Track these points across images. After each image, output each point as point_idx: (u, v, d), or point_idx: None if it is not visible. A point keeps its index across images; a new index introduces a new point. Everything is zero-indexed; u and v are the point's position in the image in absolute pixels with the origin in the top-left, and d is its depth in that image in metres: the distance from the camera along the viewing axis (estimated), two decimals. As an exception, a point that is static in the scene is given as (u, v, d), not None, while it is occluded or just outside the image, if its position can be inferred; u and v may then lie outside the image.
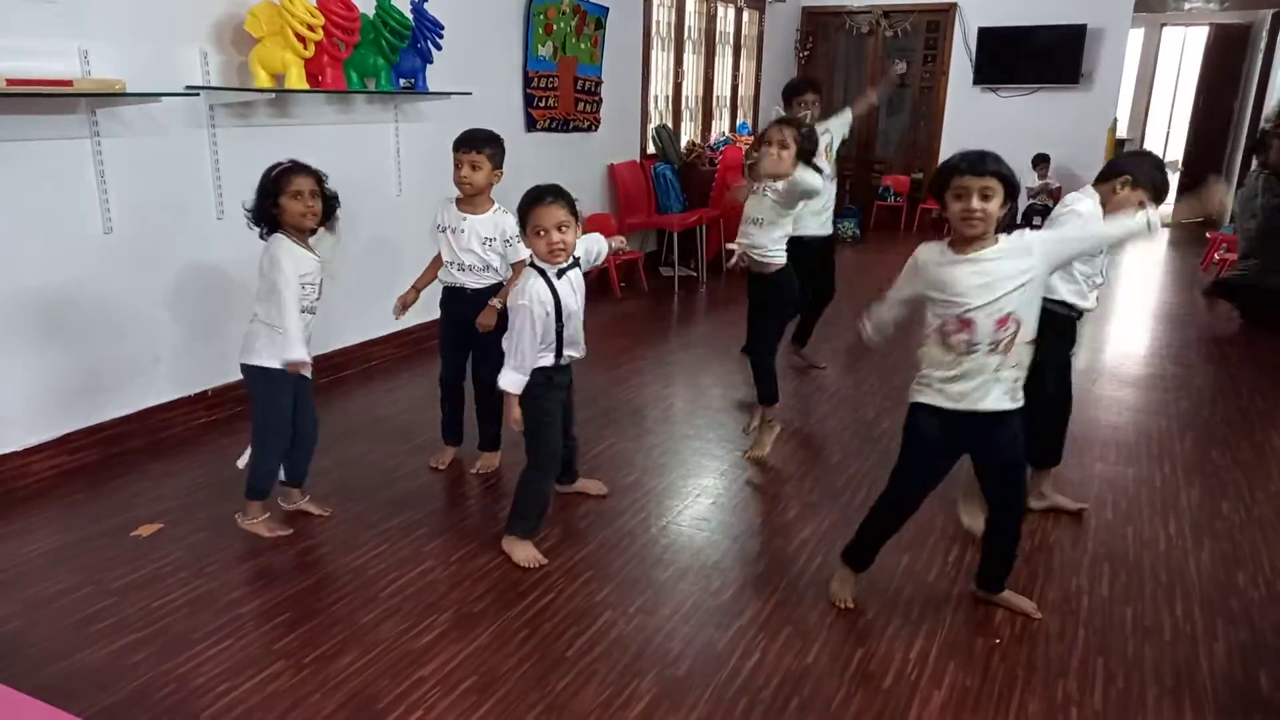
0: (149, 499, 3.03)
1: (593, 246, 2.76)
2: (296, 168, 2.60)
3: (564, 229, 2.45)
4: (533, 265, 2.54)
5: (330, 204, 2.68)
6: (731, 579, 2.61)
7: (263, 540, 2.76)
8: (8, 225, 2.97)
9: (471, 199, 3.06)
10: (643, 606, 2.46)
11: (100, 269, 3.26)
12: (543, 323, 2.50)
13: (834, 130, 4.41)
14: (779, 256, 3.38)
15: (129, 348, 3.41)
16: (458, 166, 3.01)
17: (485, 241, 3.08)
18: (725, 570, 2.66)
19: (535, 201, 2.46)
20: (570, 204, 2.48)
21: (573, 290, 2.58)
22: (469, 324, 3.13)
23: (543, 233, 2.45)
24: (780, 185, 3.24)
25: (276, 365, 2.63)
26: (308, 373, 2.74)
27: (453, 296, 3.20)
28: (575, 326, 2.61)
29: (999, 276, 2.09)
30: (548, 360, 2.58)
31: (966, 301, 2.10)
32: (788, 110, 4.28)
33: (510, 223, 3.02)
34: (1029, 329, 2.14)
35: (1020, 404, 2.20)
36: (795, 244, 3.53)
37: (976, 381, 2.14)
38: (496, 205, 3.10)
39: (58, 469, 3.20)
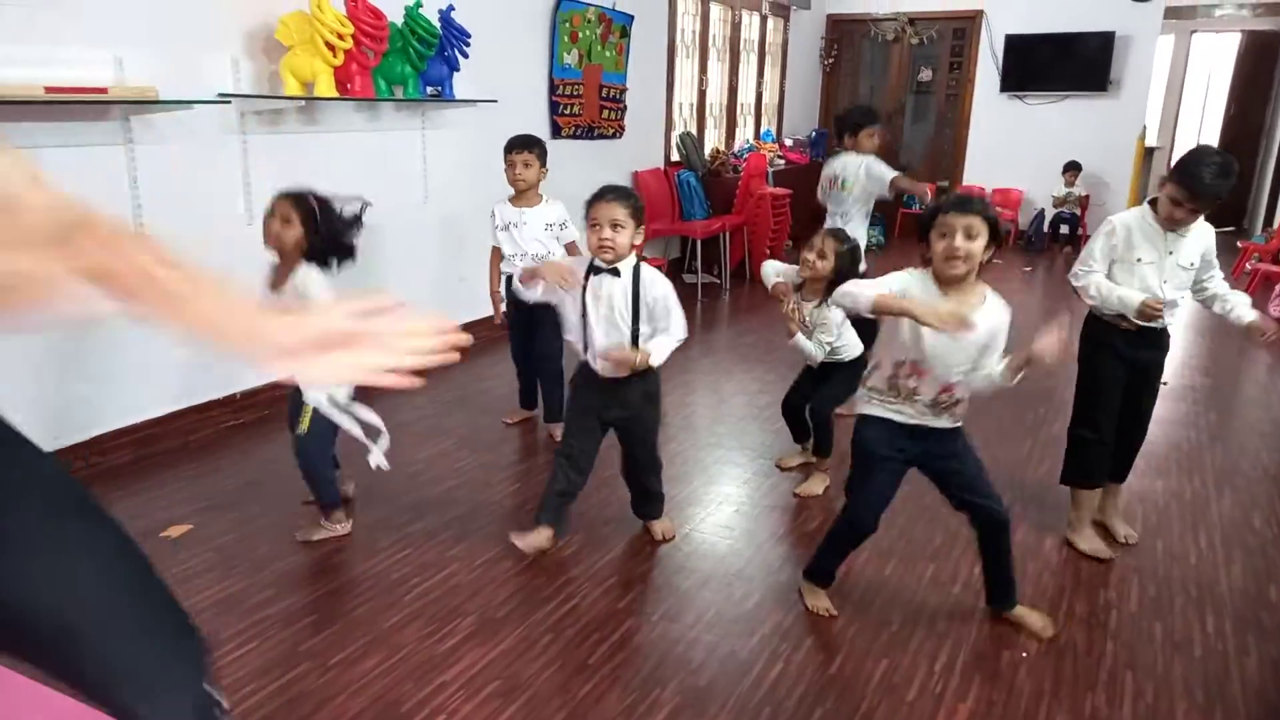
0: (179, 500, 3.07)
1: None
2: (287, 191, 2.60)
3: (617, 228, 2.46)
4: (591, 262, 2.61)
5: (321, 240, 2.59)
6: (754, 588, 2.61)
7: (288, 544, 2.79)
8: (44, 230, 3.03)
9: (524, 195, 3.48)
10: (665, 614, 2.46)
11: (132, 273, 3.31)
12: (575, 297, 2.60)
13: (849, 169, 4.24)
14: (857, 344, 3.28)
15: (159, 350, 3.46)
16: (511, 166, 3.46)
17: (548, 228, 3.52)
18: (748, 579, 2.66)
19: (598, 197, 2.51)
20: (633, 207, 2.48)
21: (602, 294, 2.56)
22: (534, 306, 3.35)
23: (595, 226, 2.49)
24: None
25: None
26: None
27: None
28: (591, 335, 2.61)
29: (967, 343, 2.10)
30: (579, 346, 2.67)
31: (931, 360, 2.15)
32: (848, 143, 4.23)
33: (562, 208, 3.53)
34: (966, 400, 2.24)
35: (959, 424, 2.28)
36: None
37: (917, 415, 2.24)
38: (545, 197, 3.55)
39: (90, 470, 3.25)
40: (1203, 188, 2.42)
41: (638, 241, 2.53)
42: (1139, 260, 2.59)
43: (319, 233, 2.59)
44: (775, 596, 2.56)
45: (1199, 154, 2.48)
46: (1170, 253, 2.59)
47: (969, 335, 2.03)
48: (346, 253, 2.70)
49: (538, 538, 2.68)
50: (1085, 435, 2.81)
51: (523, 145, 3.45)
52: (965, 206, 2.07)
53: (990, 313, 2.14)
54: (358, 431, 2.58)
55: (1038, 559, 2.79)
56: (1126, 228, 2.62)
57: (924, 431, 2.24)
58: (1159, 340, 2.73)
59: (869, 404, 2.30)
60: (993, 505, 2.30)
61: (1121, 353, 2.71)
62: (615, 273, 2.56)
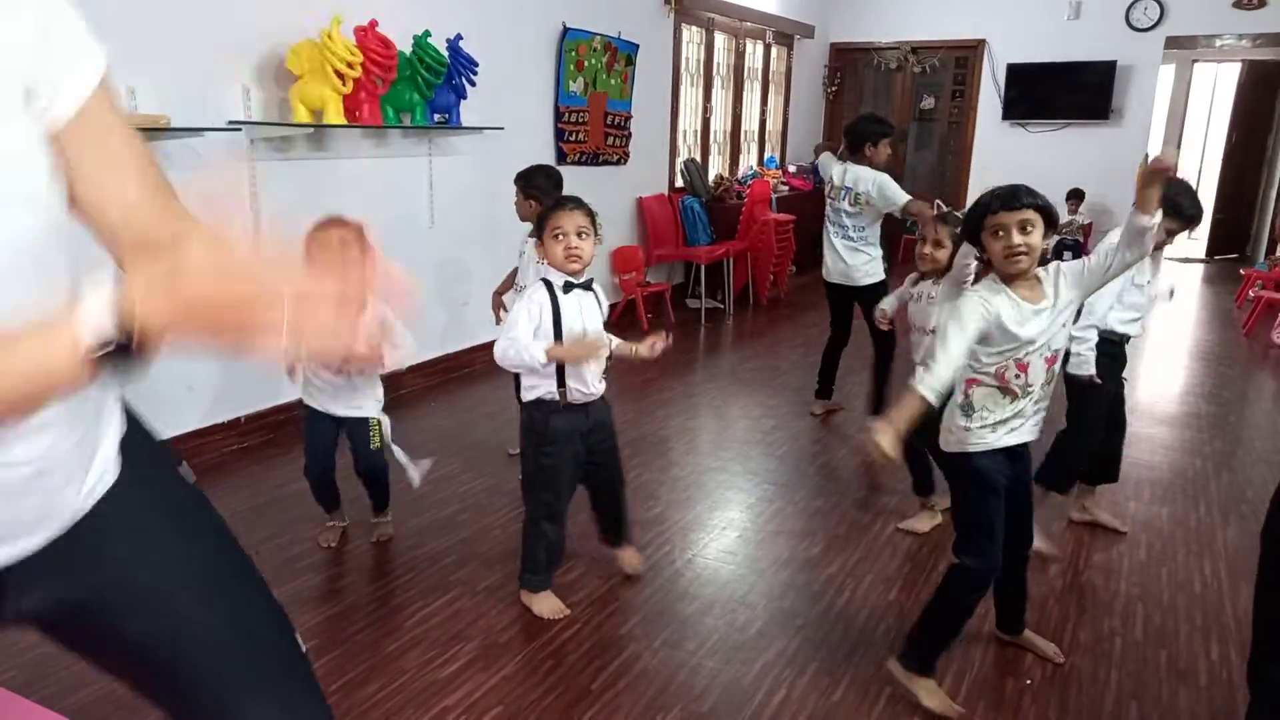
0: (182, 524, 3.07)
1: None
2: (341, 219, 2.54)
3: (583, 235, 2.38)
4: (542, 280, 2.43)
5: None
6: (758, 614, 2.60)
7: (291, 568, 2.79)
8: (54, 254, 3.06)
9: None
10: (667, 640, 2.45)
11: (141, 297, 3.34)
12: (534, 318, 2.37)
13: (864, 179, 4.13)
14: None
15: (163, 375, 3.47)
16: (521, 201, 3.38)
17: None
18: (751, 605, 2.65)
19: (558, 206, 2.42)
20: (592, 216, 2.42)
21: (579, 311, 2.42)
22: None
23: (561, 235, 2.36)
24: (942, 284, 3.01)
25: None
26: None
27: None
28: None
29: (1058, 319, 2.07)
30: (548, 389, 2.43)
31: (1034, 346, 2.05)
32: (869, 153, 4.11)
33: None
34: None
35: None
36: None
37: (1023, 420, 2.12)
38: None
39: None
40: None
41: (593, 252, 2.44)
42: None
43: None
44: (778, 623, 2.55)
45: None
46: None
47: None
48: None
49: (557, 602, 2.58)
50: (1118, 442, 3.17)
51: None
52: (1014, 202, 1.97)
53: (1058, 290, 2.06)
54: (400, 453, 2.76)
55: (1042, 585, 2.78)
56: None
57: (1013, 451, 2.15)
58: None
59: (975, 440, 2.14)
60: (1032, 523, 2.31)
61: (1122, 361, 3.02)
62: (588, 286, 2.46)
